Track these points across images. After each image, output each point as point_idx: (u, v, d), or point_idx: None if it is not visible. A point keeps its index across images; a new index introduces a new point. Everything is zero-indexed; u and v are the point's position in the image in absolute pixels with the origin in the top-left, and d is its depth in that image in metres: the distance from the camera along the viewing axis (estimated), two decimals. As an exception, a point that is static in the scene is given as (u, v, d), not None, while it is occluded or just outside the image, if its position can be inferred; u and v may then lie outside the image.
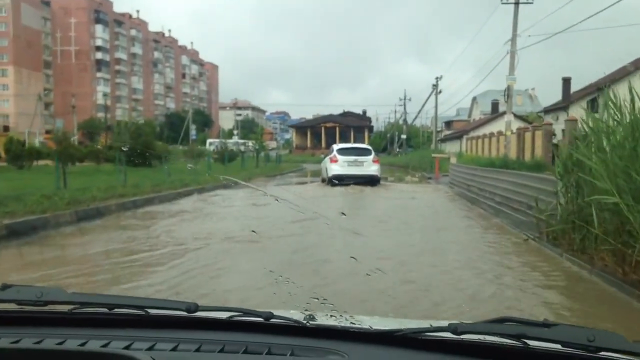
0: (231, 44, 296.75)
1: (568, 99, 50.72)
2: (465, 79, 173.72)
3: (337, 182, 19.92)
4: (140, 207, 12.39)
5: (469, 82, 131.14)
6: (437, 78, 57.12)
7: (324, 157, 23.22)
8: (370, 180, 20.02)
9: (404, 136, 65.93)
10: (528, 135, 32.87)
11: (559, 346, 1.08)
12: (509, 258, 7.13)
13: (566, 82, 52.32)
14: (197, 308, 1.28)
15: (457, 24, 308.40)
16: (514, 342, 1.12)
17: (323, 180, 21.97)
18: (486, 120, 55.41)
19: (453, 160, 21.93)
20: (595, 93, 48.59)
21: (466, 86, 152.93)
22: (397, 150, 66.94)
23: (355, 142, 77.64)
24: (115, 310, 1.33)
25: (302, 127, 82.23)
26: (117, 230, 9.43)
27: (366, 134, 78.71)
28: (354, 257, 5.56)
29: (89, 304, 1.34)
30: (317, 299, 1.66)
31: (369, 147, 23.04)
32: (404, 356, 1.17)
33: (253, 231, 9.01)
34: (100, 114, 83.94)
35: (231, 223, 10.04)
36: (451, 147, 56.14)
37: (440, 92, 56.74)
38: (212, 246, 7.70)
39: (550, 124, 30.00)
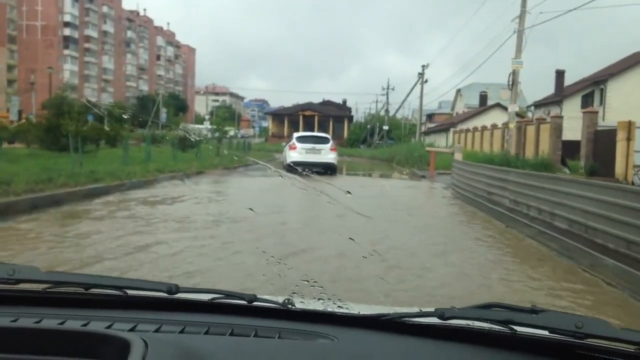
0: (210, 28, 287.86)
1: (561, 92, 46.54)
2: (448, 73, 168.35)
3: (295, 168, 18.35)
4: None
5: (451, 77, 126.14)
6: (423, 66, 52.46)
7: (285, 145, 23.19)
8: (328, 168, 20.07)
9: (386, 127, 61.10)
10: (531, 129, 28.28)
11: (546, 332, 1.05)
12: None
13: (560, 75, 48.19)
14: (177, 289, 1.21)
15: (441, 18, 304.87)
16: (501, 327, 1.09)
17: (284, 167, 21.95)
18: (474, 113, 50.88)
19: (458, 156, 17.16)
20: (591, 87, 44.52)
21: (449, 80, 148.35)
22: (378, 142, 62.13)
23: (334, 132, 73.60)
24: (92, 290, 1.25)
25: (279, 115, 77.37)
26: None
27: (346, 124, 74.53)
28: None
29: (64, 283, 1.27)
30: (307, 281, 1.57)
31: (328, 136, 23.34)
32: (392, 340, 1.14)
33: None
34: (66, 92, 78.05)
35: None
36: (436, 141, 51.59)
37: (426, 81, 52.16)
38: None
39: (561, 117, 25.43)
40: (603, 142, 20.55)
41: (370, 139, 66.59)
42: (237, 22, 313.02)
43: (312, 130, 65.36)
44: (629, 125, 18.63)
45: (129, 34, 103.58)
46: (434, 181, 18.78)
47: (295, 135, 22.39)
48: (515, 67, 25.16)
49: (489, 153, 27.79)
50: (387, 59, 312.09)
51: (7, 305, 1.22)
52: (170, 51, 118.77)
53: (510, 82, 25.33)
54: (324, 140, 21.64)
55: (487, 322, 1.10)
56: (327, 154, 20.64)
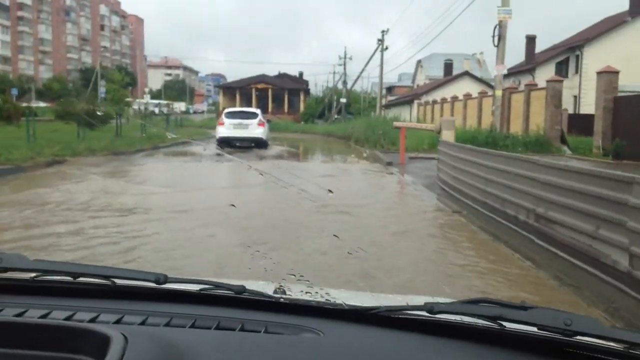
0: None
1: (532, 59, 40.92)
2: (407, 44, 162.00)
3: (224, 144, 19.87)
4: None
5: (411, 47, 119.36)
6: (383, 32, 46.19)
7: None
8: (256, 143, 20.42)
9: (343, 100, 54.70)
10: (518, 98, 22.45)
11: (535, 329, 1.03)
12: None
13: (531, 40, 42.42)
14: (166, 279, 1.19)
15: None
16: (490, 323, 1.07)
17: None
18: (440, 83, 44.96)
19: (448, 135, 10.90)
20: (565, 54, 38.89)
21: (408, 49, 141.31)
22: (335, 116, 55.82)
23: (290, 106, 66.89)
24: (80, 279, 1.22)
25: (230, 88, 69.90)
26: None
27: (302, 97, 67.92)
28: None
29: (52, 272, 1.23)
30: (294, 275, 1.55)
31: (256, 111, 23.16)
32: (379, 335, 1.11)
33: None
34: None
35: None
36: (401, 114, 45.65)
37: (386, 48, 45.99)
38: None
39: (561, 81, 19.61)
40: (628, 112, 14.83)
41: (328, 114, 60.23)
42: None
43: (266, 105, 58.71)
44: (677, 88, 12.87)
45: (68, 1, 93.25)
46: (406, 171, 12.71)
47: (225, 111, 22.51)
48: (503, 17, 19.11)
49: (470, 129, 21.84)
50: (346, 30, 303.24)
51: None
52: (115, 21, 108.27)
53: (497, 37, 19.37)
54: (252, 116, 21.55)
55: (475, 317, 1.08)
56: (254, 129, 20.53)
